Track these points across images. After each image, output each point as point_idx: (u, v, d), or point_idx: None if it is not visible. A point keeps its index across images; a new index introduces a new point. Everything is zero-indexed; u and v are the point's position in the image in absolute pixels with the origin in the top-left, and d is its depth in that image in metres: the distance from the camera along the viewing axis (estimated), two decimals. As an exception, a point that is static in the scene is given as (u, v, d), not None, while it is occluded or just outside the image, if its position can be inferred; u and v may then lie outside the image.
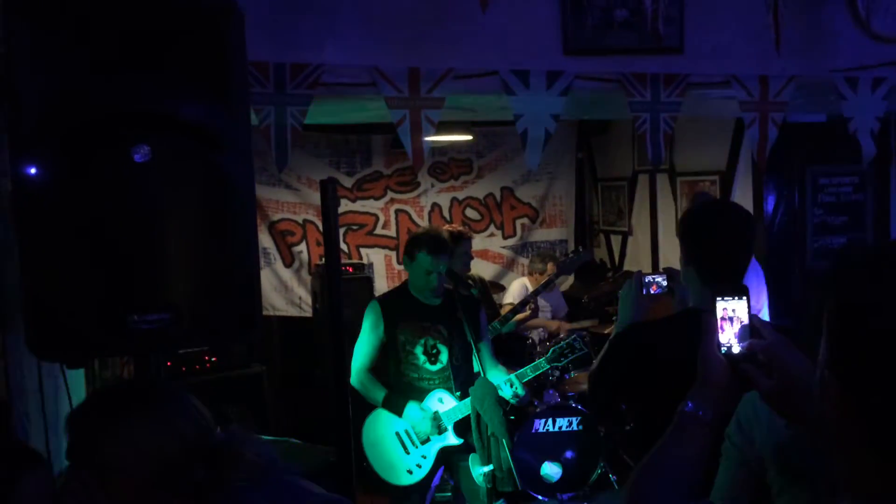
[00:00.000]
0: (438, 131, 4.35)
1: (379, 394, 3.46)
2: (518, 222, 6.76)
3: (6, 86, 1.74)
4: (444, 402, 3.53)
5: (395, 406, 3.44)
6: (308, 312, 5.95)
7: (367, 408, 3.55)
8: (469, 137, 5.86)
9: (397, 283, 4.22)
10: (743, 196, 5.27)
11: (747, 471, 1.65)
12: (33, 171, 1.71)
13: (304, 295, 6.07)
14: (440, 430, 3.50)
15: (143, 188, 1.75)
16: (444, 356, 3.56)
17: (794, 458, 1.60)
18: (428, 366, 3.55)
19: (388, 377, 3.54)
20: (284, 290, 6.11)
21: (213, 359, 4.53)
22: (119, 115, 1.76)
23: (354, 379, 3.48)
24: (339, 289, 2.25)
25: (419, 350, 3.54)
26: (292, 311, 6.10)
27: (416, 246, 3.50)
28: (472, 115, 3.57)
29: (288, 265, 6.13)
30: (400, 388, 3.51)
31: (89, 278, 1.69)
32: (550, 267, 5.63)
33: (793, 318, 4.60)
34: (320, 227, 6.15)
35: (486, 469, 3.16)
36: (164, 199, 1.79)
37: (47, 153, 1.71)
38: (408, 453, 3.50)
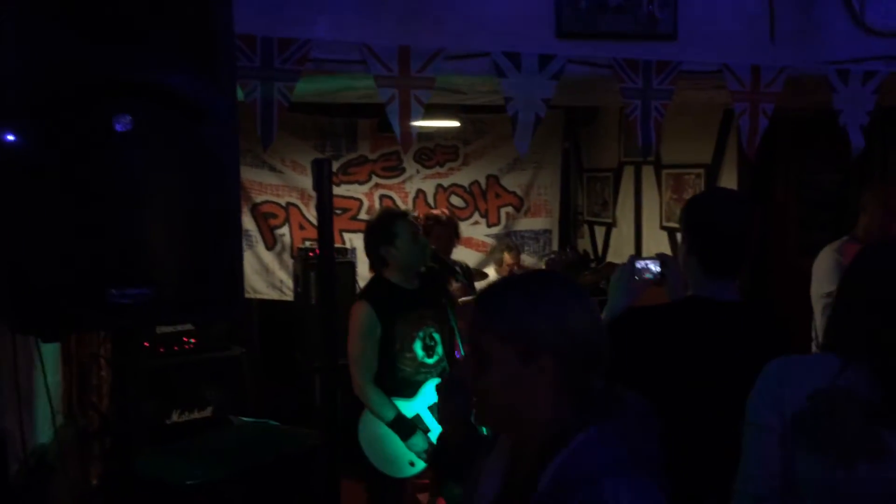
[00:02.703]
0: (426, 116, 4.29)
1: (389, 412, 3.31)
2: (503, 211, 6.74)
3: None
4: None
5: (403, 432, 3.31)
6: (289, 296, 5.90)
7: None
8: (456, 123, 5.82)
9: (380, 269, 4.16)
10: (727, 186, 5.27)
11: (780, 446, 1.66)
12: (10, 138, 1.66)
13: (285, 278, 6.02)
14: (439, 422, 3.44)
15: (124, 159, 1.71)
16: (439, 346, 3.50)
17: (810, 426, 1.63)
18: (426, 359, 3.45)
19: (380, 374, 3.37)
20: (265, 273, 6.05)
21: (192, 340, 4.47)
22: (100, 84, 1.71)
23: (362, 390, 3.32)
24: (333, 271, 2.22)
25: (418, 345, 3.43)
26: (273, 295, 6.05)
27: (387, 224, 3.40)
28: (461, 97, 3.52)
29: (270, 248, 6.07)
30: (394, 385, 3.39)
31: (68, 250, 1.64)
32: (507, 257, 5.75)
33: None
34: (303, 211, 6.09)
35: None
36: (147, 171, 1.74)
37: (26, 122, 1.66)
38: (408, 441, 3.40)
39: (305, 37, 2.43)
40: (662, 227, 6.08)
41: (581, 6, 2.78)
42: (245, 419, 3.35)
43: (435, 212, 4.83)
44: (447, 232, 4.55)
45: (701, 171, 5.67)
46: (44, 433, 2.53)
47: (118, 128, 1.69)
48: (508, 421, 1.39)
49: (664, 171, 6.06)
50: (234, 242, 1.86)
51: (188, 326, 4.46)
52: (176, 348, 4.43)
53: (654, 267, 2.32)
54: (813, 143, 5.14)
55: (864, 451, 1.59)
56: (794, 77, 2.91)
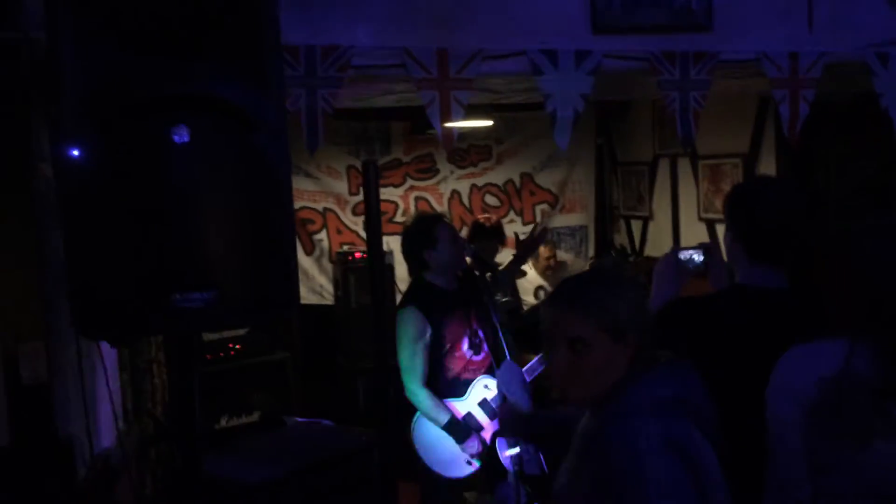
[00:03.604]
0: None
1: (442, 416, 3.34)
2: (538, 208, 6.75)
3: (48, 72, 1.76)
4: (489, 388, 3.51)
5: (458, 434, 3.35)
6: (329, 300, 5.98)
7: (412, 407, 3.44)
8: (489, 122, 5.85)
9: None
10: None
11: (802, 437, 1.67)
12: (76, 153, 1.73)
13: (325, 283, 6.10)
14: (492, 416, 3.47)
15: (182, 169, 1.77)
16: (484, 344, 3.53)
17: (822, 412, 1.65)
18: (474, 358, 3.49)
19: (430, 376, 3.40)
20: (306, 279, 6.13)
21: (237, 346, 4.57)
22: (157, 97, 1.78)
23: (414, 395, 3.36)
24: (382, 274, 2.27)
25: (465, 345, 3.46)
26: (313, 299, 6.13)
27: (428, 227, 3.43)
28: (498, 97, 3.56)
29: (309, 253, 6.15)
30: (445, 385, 3.42)
31: (132, 258, 1.70)
32: (544, 250, 5.77)
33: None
34: (340, 215, 6.17)
35: (513, 451, 3.16)
36: (203, 180, 1.80)
37: (89, 136, 1.73)
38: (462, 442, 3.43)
39: (347, 43, 2.48)
40: (701, 219, 6.04)
41: (616, 0, 2.80)
42: (298, 419, 3.41)
43: (480, 218, 4.87)
44: (492, 242, 4.59)
45: (738, 160, 5.63)
46: (107, 438, 2.61)
47: (176, 139, 1.76)
48: (594, 394, 1.65)
49: (701, 162, 6.02)
50: (288, 245, 1.92)
51: (233, 333, 4.56)
52: (221, 354, 4.54)
53: (697, 257, 2.32)
54: (852, 128, 5.08)
55: (878, 430, 1.59)
56: (832, 62, 2.90)
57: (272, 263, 1.83)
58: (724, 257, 2.32)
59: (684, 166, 6.22)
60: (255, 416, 4.35)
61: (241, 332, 4.43)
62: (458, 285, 3.56)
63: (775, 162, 5.24)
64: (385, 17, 2.58)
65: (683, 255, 2.34)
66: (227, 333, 4.52)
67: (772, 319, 2.14)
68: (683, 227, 6.28)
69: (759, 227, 2.14)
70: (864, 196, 5.11)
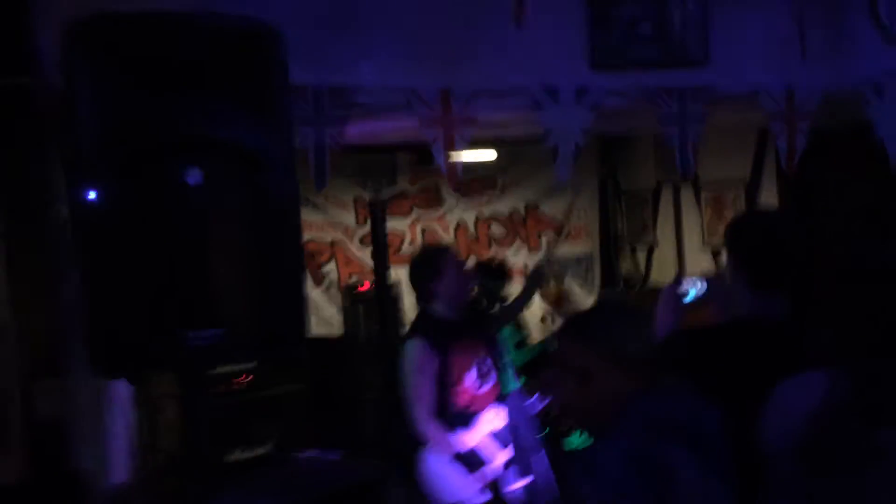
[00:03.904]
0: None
1: (451, 449, 3.36)
2: (543, 237, 6.80)
3: (64, 114, 1.83)
4: (498, 419, 3.52)
5: (468, 465, 3.36)
6: (338, 331, 6.01)
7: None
8: (493, 153, 5.93)
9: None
10: (769, 206, 5.27)
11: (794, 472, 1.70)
12: (91, 195, 1.79)
13: (333, 314, 6.13)
14: (505, 444, 3.48)
15: (194, 209, 1.83)
16: (493, 374, 3.55)
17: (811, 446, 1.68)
18: (482, 389, 3.50)
19: (438, 407, 3.39)
20: (314, 310, 6.15)
21: (249, 378, 4.60)
22: (170, 139, 1.84)
23: (423, 426, 3.35)
24: (388, 310, 2.29)
25: (474, 376, 3.47)
26: (322, 331, 6.15)
27: (435, 258, 3.49)
28: (503, 130, 3.62)
29: (317, 285, 6.20)
30: (452, 416, 3.42)
31: (147, 296, 1.76)
32: (554, 287, 5.74)
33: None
34: (349, 247, 6.23)
35: (523, 482, 3.17)
36: (214, 219, 1.86)
37: (104, 178, 1.79)
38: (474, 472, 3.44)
39: (353, 83, 2.55)
40: (704, 247, 6.07)
41: (613, 37, 2.86)
42: (308, 453, 3.44)
43: (485, 259, 4.92)
44: (497, 282, 4.64)
45: (740, 188, 5.68)
46: (120, 472, 2.64)
47: (190, 181, 1.82)
48: (600, 422, 1.70)
49: (703, 190, 6.07)
50: (297, 282, 1.97)
51: (242, 366, 4.59)
52: (234, 387, 4.57)
53: (700, 288, 2.36)
54: (850, 156, 5.12)
55: (867, 457, 1.62)
56: (828, 94, 2.96)
57: (281, 300, 1.88)
58: (726, 286, 2.34)
59: (687, 194, 6.27)
60: (266, 449, 4.37)
61: (252, 364, 4.46)
62: (465, 316, 3.59)
63: (776, 190, 5.29)
64: (389, 56, 2.65)
65: (686, 285, 2.37)
66: (236, 366, 4.55)
67: (773, 352, 2.16)
68: (688, 255, 6.31)
69: (760, 257, 2.18)
70: (863, 223, 5.14)
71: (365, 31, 2.59)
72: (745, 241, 2.22)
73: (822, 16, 2.85)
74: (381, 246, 2.20)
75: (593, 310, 1.88)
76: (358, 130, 3.56)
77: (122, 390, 2.48)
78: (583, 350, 1.68)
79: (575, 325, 1.77)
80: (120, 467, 2.63)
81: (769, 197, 5.37)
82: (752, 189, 5.54)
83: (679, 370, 2.15)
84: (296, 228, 2.01)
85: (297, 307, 1.96)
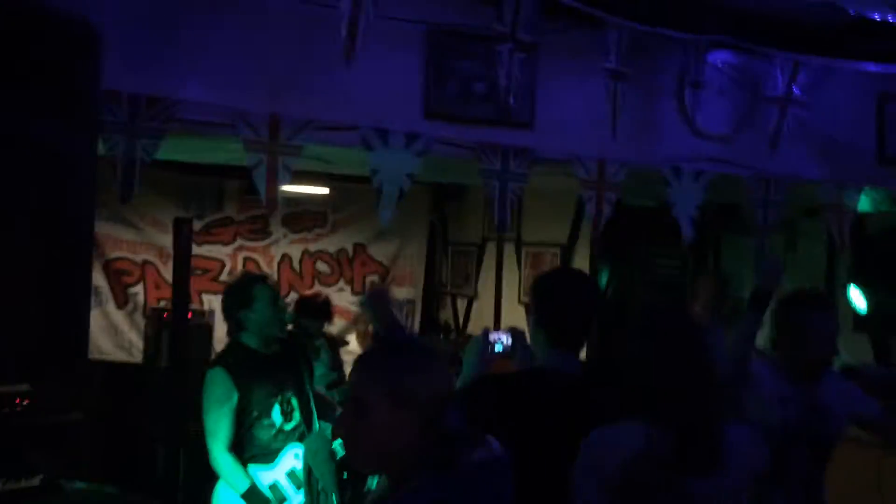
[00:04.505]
0: (295, 181, 4.30)
1: (242, 483, 3.21)
2: (368, 279, 6.79)
3: None
4: (299, 458, 3.40)
5: (255, 503, 3.22)
6: (138, 358, 5.63)
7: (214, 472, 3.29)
8: (325, 190, 5.88)
9: (237, 332, 4.07)
10: (581, 268, 5.59)
11: None
12: None
13: (135, 339, 5.75)
14: (298, 486, 3.36)
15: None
16: (297, 412, 3.44)
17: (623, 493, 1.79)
18: (285, 426, 3.37)
19: (237, 442, 3.26)
20: (114, 333, 5.76)
21: (24, 401, 4.16)
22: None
23: (216, 459, 3.22)
24: (184, 336, 2.17)
25: (276, 412, 3.35)
26: (120, 356, 5.75)
27: (245, 287, 3.36)
28: (328, 166, 3.60)
29: (121, 307, 5.80)
30: (252, 452, 3.28)
31: None
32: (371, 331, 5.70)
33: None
34: (160, 270, 5.89)
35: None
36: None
37: None
38: None
39: (175, 97, 2.44)
40: (520, 302, 6.32)
41: (448, 90, 2.95)
42: (79, 485, 3.14)
43: (308, 293, 4.83)
44: (317, 319, 4.57)
45: (557, 249, 6.00)
46: None
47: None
48: (378, 461, 1.67)
49: (524, 249, 6.35)
50: (80, 298, 1.81)
51: (22, 387, 4.16)
52: (6, 409, 4.11)
53: (505, 339, 2.45)
54: (658, 231, 5.58)
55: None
56: (634, 170, 3.20)
57: (58, 317, 1.71)
58: (528, 341, 2.44)
59: (509, 251, 6.53)
60: (36, 481, 3.94)
61: (25, 387, 4.05)
62: (280, 348, 3.47)
63: (589, 254, 5.64)
64: (218, 74, 2.56)
65: (493, 336, 2.45)
66: (14, 387, 4.11)
67: (567, 401, 2.27)
68: (505, 309, 6.55)
69: (557, 316, 2.28)
70: (665, 293, 5.59)
71: (193, 46, 2.49)
72: (545, 300, 2.32)
73: (634, 100, 3.10)
74: (183, 265, 2.09)
75: (386, 344, 1.83)
76: (184, 151, 3.43)
77: None
78: (363, 382, 1.65)
79: (363, 357, 1.74)
80: None
81: (581, 261, 5.71)
82: (568, 251, 5.88)
83: (480, 413, 2.21)
84: (86, 240, 1.86)
85: (78, 326, 1.80)
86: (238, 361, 3.32)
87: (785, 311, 2.71)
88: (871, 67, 3.26)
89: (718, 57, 3.31)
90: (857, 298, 4.47)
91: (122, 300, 5.79)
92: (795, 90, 3.24)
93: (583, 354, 2.42)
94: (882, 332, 4.90)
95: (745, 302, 5.29)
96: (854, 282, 4.55)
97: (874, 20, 2.99)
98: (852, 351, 5.12)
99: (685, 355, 1.96)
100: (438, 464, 1.60)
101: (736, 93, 3.40)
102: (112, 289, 5.75)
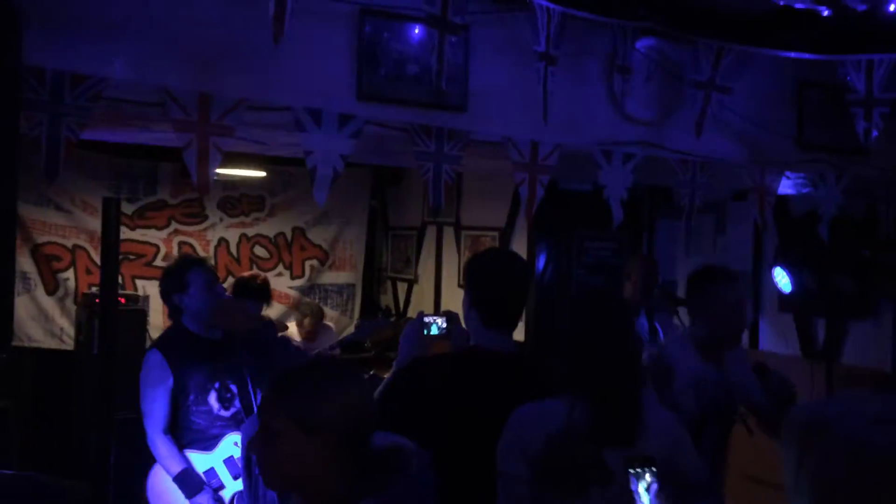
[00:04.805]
0: (230, 164, 4.23)
1: (175, 466, 3.20)
2: (307, 263, 6.76)
3: None
4: (238, 446, 3.38)
5: (188, 488, 3.20)
6: (69, 345, 5.50)
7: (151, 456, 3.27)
8: (262, 173, 5.82)
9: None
10: (518, 252, 5.67)
11: (529, 492, 1.88)
12: None
13: (66, 326, 5.62)
14: (235, 476, 3.34)
15: None
16: (237, 399, 3.41)
17: (547, 467, 1.88)
18: (222, 412, 3.35)
19: (174, 426, 3.27)
20: (44, 320, 5.62)
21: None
22: None
23: (151, 442, 3.21)
24: (114, 320, 2.14)
25: (212, 398, 3.33)
26: (50, 343, 5.61)
27: (180, 271, 3.33)
28: (263, 148, 3.57)
29: (51, 293, 5.66)
30: (189, 437, 3.28)
31: None
32: (307, 323, 5.64)
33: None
34: (92, 255, 5.75)
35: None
36: None
37: None
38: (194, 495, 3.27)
39: (100, 74, 2.39)
40: (460, 286, 6.39)
41: (380, 72, 2.96)
42: (3, 472, 3.07)
43: (246, 275, 4.78)
44: (257, 301, 4.51)
45: (496, 233, 6.08)
46: None
47: None
48: (294, 487, 1.61)
49: (464, 233, 6.41)
50: (3, 283, 1.77)
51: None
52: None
53: (441, 322, 2.49)
54: (592, 213, 5.69)
55: (594, 478, 1.81)
56: (567, 152, 3.27)
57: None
58: (463, 323, 2.49)
59: (449, 235, 6.58)
60: (-38, 471, 3.83)
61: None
62: (224, 333, 3.44)
63: (527, 238, 5.73)
64: (145, 51, 2.52)
65: (428, 319, 2.49)
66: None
67: (500, 379, 2.32)
68: (444, 293, 6.61)
69: (490, 296, 2.33)
70: (598, 275, 5.72)
71: (120, 25, 2.44)
72: (477, 281, 2.37)
73: (565, 84, 3.16)
74: (111, 247, 2.06)
75: (303, 367, 1.70)
76: (113, 131, 3.35)
77: None
78: (274, 407, 1.56)
79: (276, 380, 1.62)
80: None
81: (519, 245, 5.80)
82: (506, 236, 5.95)
83: (413, 395, 2.25)
84: (9, 222, 1.82)
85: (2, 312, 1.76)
86: (176, 345, 3.31)
87: (695, 286, 2.85)
88: (790, 55, 3.38)
89: (645, 43, 3.40)
90: (782, 279, 4.65)
91: (52, 286, 5.64)
92: (718, 76, 3.35)
93: (520, 336, 2.49)
94: (806, 312, 5.12)
95: (675, 284, 5.47)
96: (779, 263, 4.73)
97: (797, 9, 3.10)
98: (778, 330, 5.35)
99: (607, 329, 2.04)
100: (370, 489, 1.54)
101: (662, 78, 3.50)
102: (41, 274, 5.60)
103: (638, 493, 1.76)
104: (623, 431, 1.92)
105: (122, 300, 5.06)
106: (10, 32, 1.80)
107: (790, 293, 4.69)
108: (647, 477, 1.77)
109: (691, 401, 2.67)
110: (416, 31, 2.94)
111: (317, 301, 6.53)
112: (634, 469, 1.78)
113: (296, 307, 6.39)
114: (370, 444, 1.62)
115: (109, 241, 2.08)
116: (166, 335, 3.45)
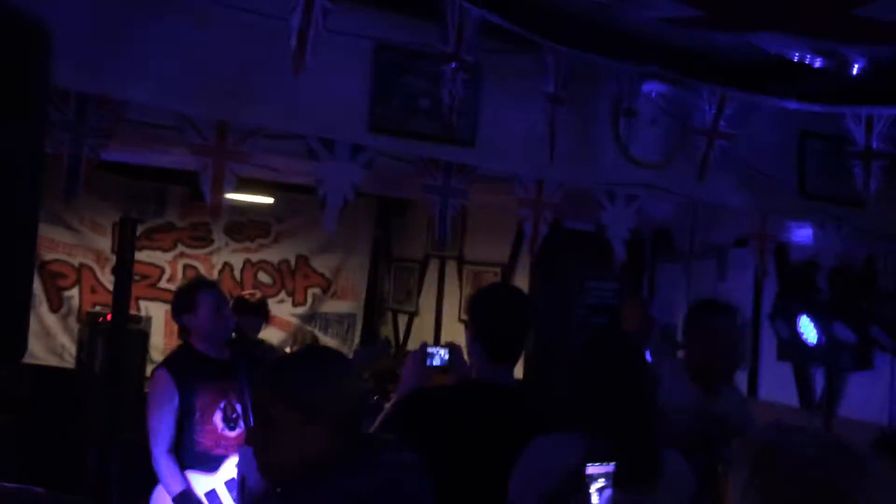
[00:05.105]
0: (240, 190, 4.29)
1: (175, 486, 3.21)
2: (310, 291, 6.80)
3: None
4: None
5: None
6: (70, 363, 5.52)
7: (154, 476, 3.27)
8: (270, 200, 5.89)
9: (176, 341, 4.05)
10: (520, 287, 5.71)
11: None
12: None
13: (67, 343, 5.64)
14: (236, 500, 3.34)
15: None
16: (242, 419, 3.44)
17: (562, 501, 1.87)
18: (226, 432, 3.36)
19: (178, 445, 3.27)
20: (46, 337, 5.64)
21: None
22: None
23: (155, 461, 3.22)
24: (122, 337, 2.18)
25: (218, 417, 3.34)
26: (51, 361, 5.62)
27: (190, 293, 3.39)
28: (277, 175, 3.65)
29: (55, 310, 5.69)
30: (193, 457, 3.28)
31: None
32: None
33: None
34: (97, 274, 5.80)
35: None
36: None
37: None
38: None
39: (123, 97, 2.47)
40: (461, 320, 6.41)
41: (393, 105, 3.05)
42: (8, 485, 3.08)
43: (245, 294, 4.83)
44: (254, 318, 4.55)
45: (498, 269, 6.12)
46: None
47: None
48: (290, 471, 1.62)
49: (466, 267, 6.46)
50: (21, 301, 1.80)
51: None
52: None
53: (443, 354, 2.53)
54: (595, 253, 5.73)
55: None
56: (571, 191, 3.34)
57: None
58: (466, 356, 2.53)
59: (451, 269, 6.63)
60: (-41, 484, 3.84)
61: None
62: (231, 354, 3.48)
63: (529, 275, 5.76)
64: (167, 77, 2.60)
65: (431, 350, 2.53)
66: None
67: (501, 412, 2.35)
68: (445, 326, 6.63)
69: (493, 331, 2.37)
70: (598, 316, 5.75)
71: (142, 48, 2.52)
72: (481, 315, 2.41)
73: (572, 124, 3.24)
74: (126, 268, 2.11)
75: (293, 356, 1.76)
76: (129, 152, 3.42)
77: None
78: (270, 396, 1.61)
79: (269, 370, 1.69)
80: None
81: (521, 281, 5.83)
82: (508, 272, 6.00)
83: (413, 425, 2.28)
84: (31, 238, 1.85)
85: (19, 318, 1.80)
86: (184, 364, 3.35)
87: (692, 318, 2.90)
88: (792, 105, 3.47)
89: (652, 87, 3.49)
90: (808, 329, 4.55)
91: (57, 304, 5.68)
92: (722, 123, 3.43)
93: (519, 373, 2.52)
94: (803, 361, 5.11)
95: (675, 328, 5.47)
96: (804, 312, 4.65)
97: (792, 61, 3.19)
98: (776, 379, 5.35)
99: (623, 370, 2.07)
100: (353, 465, 1.59)
101: (667, 123, 3.58)
102: (46, 291, 5.64)
103: None
104: (643, 475, 1.93)
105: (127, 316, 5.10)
106: (41, 54, 1.87)
107: (815, 344, 4.55)
108: None
109: (680, 427, 2.68)
110: (429, 66, 3.03)
111: (317, 329, 6.56)
112: None
113: (294, 335, 6.43)
114: (363, 428, 1.69)
115: (124, 261, 2.12)
116: (174, 354, 3.49)
